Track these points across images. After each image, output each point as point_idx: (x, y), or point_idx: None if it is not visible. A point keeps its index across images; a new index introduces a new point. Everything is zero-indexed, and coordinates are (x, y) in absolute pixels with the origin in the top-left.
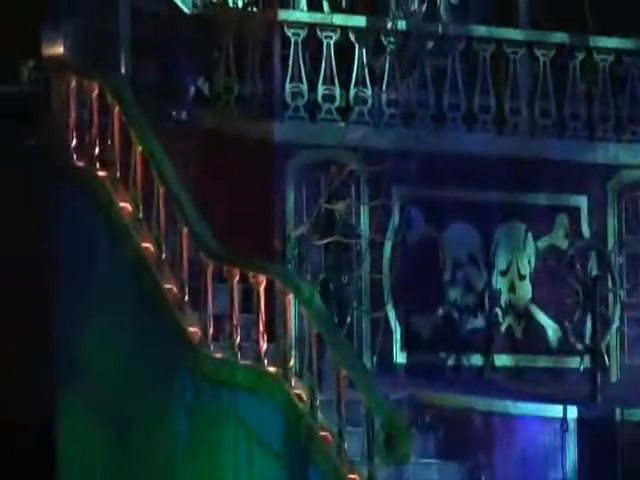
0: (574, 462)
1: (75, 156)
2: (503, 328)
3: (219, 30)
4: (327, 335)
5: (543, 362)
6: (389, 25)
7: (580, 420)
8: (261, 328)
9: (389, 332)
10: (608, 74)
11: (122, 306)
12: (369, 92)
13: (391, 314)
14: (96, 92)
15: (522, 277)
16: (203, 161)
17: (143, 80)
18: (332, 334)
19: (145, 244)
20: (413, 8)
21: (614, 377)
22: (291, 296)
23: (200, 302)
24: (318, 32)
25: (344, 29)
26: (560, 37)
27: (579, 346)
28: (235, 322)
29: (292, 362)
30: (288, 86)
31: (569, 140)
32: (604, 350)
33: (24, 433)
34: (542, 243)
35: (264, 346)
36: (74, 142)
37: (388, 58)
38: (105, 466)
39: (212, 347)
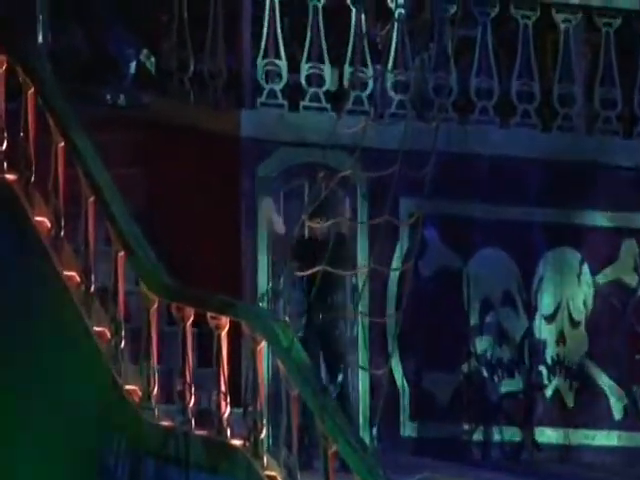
0: None
1: None
2: (549, 392)
3: None
4: (311, 398)
5: (603, 439)
6: None
7: None
8: (223, 387)
9: (395, 395)
10: None
11: (37, 351)
12: (370, 72)
13: (397, 370)
14: (4, 68)
15: (575, 324)
16: (147, 162)
17: (67, 52)
18: (318, 396)
19: (68, 272)
20: None
21: None
22: (263, 344)
23: (141, 351)
24: None
25: None
26: (628, 0)
27: None
28: (188, 378)
29: (264, 433)
30: (261, 62)
31: None
32: None
33: None
34: (603, 278)
35: (227, 411)
36: None
37: (396, 27)
38: None
39: (157, 411)
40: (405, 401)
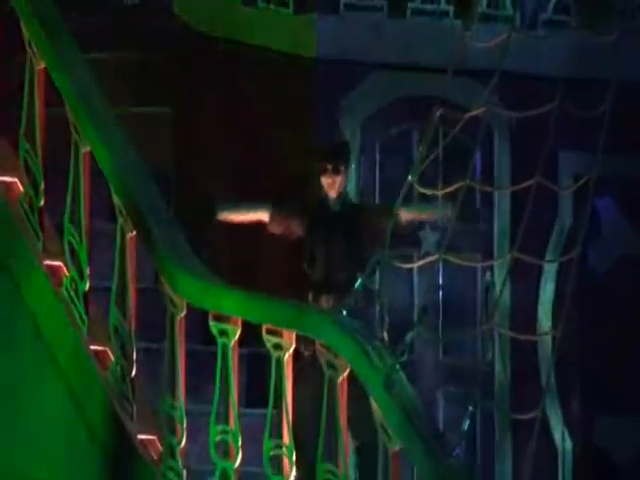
0: None
1: None
2: None
3: None
4: (420, 456)
5: None
6: None
7: None
8: (285, 437)
9: (551, 452)
10: None
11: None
12: None
13: (555, 417)
14: None
15: None
16: (173, 94)
17: None
18: (431, 454)
19: (49, 261)
20: None
21: None
22: (347, 375)
23: (162, 382)
24: None
25: None
26: None
27: None
28: (232, 424)
29: None
30: None
31: None
32: None
33: None
34: None
35: (292, 474)
36: None
37: None
38: None
39: (186, 473)
40: (567, 462)
